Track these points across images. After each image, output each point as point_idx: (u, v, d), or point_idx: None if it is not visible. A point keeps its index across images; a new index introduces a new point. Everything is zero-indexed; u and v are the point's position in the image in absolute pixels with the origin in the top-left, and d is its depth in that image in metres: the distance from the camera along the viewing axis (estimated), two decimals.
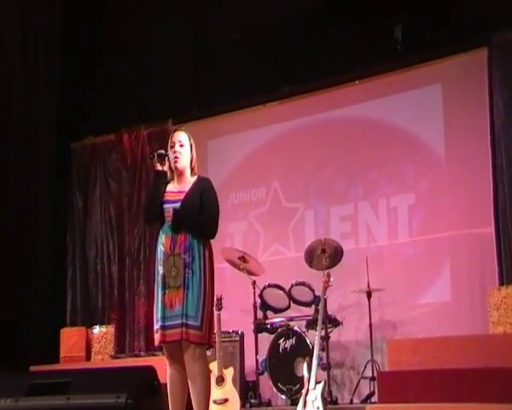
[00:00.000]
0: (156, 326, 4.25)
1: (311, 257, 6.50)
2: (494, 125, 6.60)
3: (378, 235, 7.17)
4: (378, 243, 7.14)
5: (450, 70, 6.99)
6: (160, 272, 4.29)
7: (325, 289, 5.85)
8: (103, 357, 7.43)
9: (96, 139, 8.86)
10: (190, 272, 4.22)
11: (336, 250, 6.42)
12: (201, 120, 8.17)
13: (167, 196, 4.37)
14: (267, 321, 6.60)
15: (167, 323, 4.19)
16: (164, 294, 4.24)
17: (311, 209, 7.55)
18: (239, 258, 6.55)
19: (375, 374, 6.16)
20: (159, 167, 4.40)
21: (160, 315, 4.22)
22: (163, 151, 4.42)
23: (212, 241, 4.40)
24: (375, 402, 5.95)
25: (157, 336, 4.25)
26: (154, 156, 4.41)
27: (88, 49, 8.54)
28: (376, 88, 7.35)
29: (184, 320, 4.16)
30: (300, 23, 7.55)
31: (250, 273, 6.63)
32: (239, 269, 6.60)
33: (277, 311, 6.69)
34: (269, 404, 6.52)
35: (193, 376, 4.21)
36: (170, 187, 4.42)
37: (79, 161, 8.92)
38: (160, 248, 4.33)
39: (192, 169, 4.46)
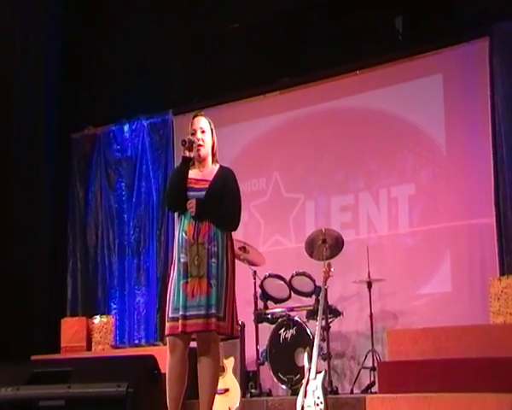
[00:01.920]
0: (173, 315, 4.13)
1: (311, 247, 6.49)
2: (495, 115, 6.58)
3: (378, 225, 7.16)
4: (379, 234, 7.13)
5: (451, 60, 6.97)
6: (182, 260, 4.19)
7: (326, 279, 5.86)
8: (104, 347, 7.43)
9: (97, 130, 8.84)
10: (214, 262, 4.16)
11: (337, 240, 6.41)
12: (202, 111, 8.11)
13: (190, 183, 4.30)
14: (268, 311, 6.61)
15: (188, 313, 4.08)
16: (186, 282, 4.14)
17: (312, 200, 7.54)
18: (239, 248, 6.53)
19: (376, 364, 6.16)
20: (186, 153, 4.33)
21: (180, 304, 4.11)
22: (192, 138, 4.37)
23: None
24: (375, 392, 5.95)
25: (173, 325, 4.12)
26: (185, 143, 4.34)
27: (88, 40, 8.53)
28: (377, 78, 7.32)
29: (209, 311, 4.08)
30: (301, 13, 7.53)
31: (251, 264, 6.62)
32: (239, 259, 6.57)
33: (278, 301, 6.69)
34: (269, 394, 6.51)
35: (204, 367, 4.16)
36: (192, 174, 4.35)
37: (80, 151, 8.90)
38: (182, 236, 4.23)
39: (213, 156, 4.44)
